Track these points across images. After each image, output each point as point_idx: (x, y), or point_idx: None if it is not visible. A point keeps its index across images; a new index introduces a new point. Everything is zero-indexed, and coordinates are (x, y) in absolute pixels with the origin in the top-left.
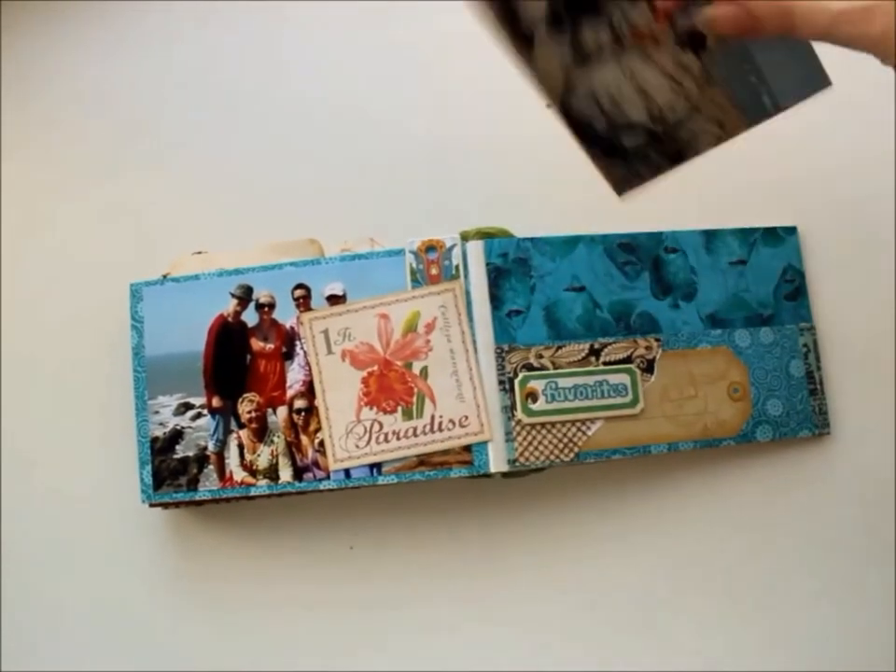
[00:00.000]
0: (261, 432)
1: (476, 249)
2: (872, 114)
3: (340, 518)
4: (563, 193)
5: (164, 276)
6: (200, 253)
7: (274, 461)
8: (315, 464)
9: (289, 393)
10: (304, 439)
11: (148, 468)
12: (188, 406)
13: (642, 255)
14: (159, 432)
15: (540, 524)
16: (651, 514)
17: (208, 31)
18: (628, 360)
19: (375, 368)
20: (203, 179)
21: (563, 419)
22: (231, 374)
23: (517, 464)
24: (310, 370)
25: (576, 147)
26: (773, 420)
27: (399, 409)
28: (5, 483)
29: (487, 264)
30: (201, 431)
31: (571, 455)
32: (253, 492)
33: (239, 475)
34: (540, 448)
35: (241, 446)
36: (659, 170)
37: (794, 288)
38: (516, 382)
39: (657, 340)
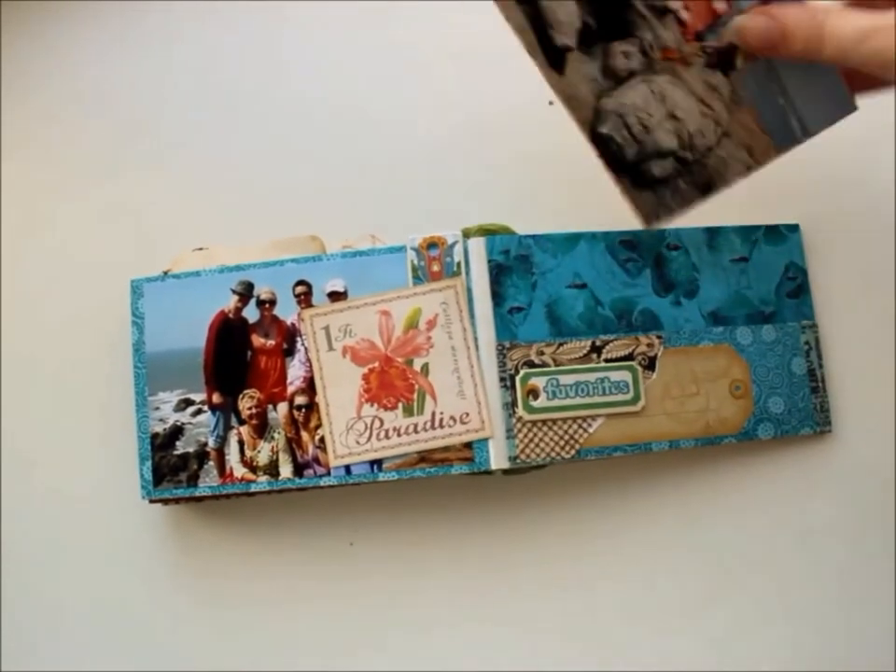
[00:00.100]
0: (262, 428)
1: (478, 246)
2: (875, 111)
3: (340, 515)
4: (564, 190)
5: (165, 272)
6: (201, 249)
7: (275, 457)
8: (316, 460)
9: (290, 389)
10: (305, 435)
11: (148, 464)
12: (188, 402)
13: (644, 252)
14: (159, 428)
15: (541, 521)
16: (652, 512)
17: (208, 31)
18: (630, 357)
19: (376, 364)
20: (204, 179)
21: (564, 416)
22: (231, 370)
23: (518, 461)
24: (311, 366)
25: (578, 147)
26: (774, 418)
27: (400, 405)
28: (5, 483)
29: (489, 261)
30: (201, 427)
31: (572, 452)
32: (253, 488)
33: (239, 471)
34: (541, 445)
35: (241, 442)
36: (688, 201)
37: (797, 286)
38: (517, 379)
39: (659, 337)
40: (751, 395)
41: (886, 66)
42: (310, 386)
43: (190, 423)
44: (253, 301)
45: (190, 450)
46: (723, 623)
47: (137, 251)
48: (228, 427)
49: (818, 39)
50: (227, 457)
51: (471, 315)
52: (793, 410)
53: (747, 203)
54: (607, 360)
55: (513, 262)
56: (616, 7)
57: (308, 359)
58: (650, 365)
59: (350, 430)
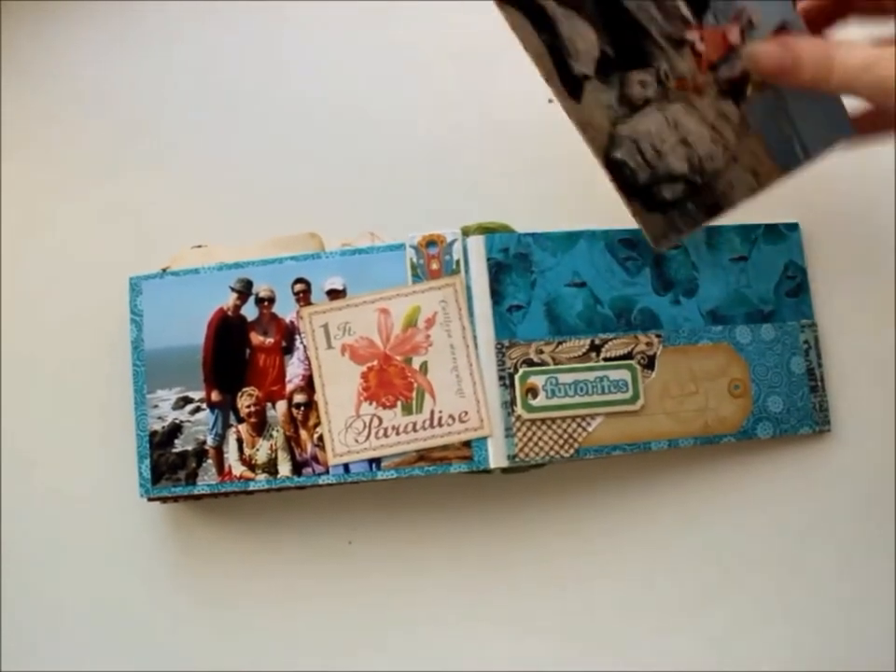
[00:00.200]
0: (260, 426)
1: (477, 244)
2: None
3: (339, 513)
4: (563, 189)
5: (164, 270)
6: (199, 247)
7: (273, 455)
8: (315, 458)
9: (289, 387)
10: (303, 433)
11: (147, 462)
12: (187, 400)
13: (643, 251)
14: (157, 426)
15: (540, 519)
16: (650, 511)
17: (208, 31)
18: (629, 356)
19: (375, 363)
20: (204, 179)
21: (563, 415)
22: (230, 368)
23: (517, 459)
24: (309, 364)
25: (577, 146)
26: (773, 417)
27: (399, 404)
28: (5, 483)
29: (488, 259)
30: (200, 425)
31: (571, 451)
32: (252, 486)
33: (238, 469)
34: (540, 444)
35: (240, 440)
36: (695, 222)
37: (796, 285)
38: (516, 377)
39: (658, 336)
40: (750, 394)
41: (887, 94)
42: (309, 385)
43: (189, 421)
44: (252, 299)
45: (189, 448)
46: (722, 621)
47: (137, 251)
48: (226, 426)
49: (827, 69)
50: (225, 455)
51: (470, 314)
52: (792, 409)
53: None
54: (606, 359)
55: (513, 261)
56: (634, 37)
57: (307, 357)
58: (649, 364)
59: (349, 429)
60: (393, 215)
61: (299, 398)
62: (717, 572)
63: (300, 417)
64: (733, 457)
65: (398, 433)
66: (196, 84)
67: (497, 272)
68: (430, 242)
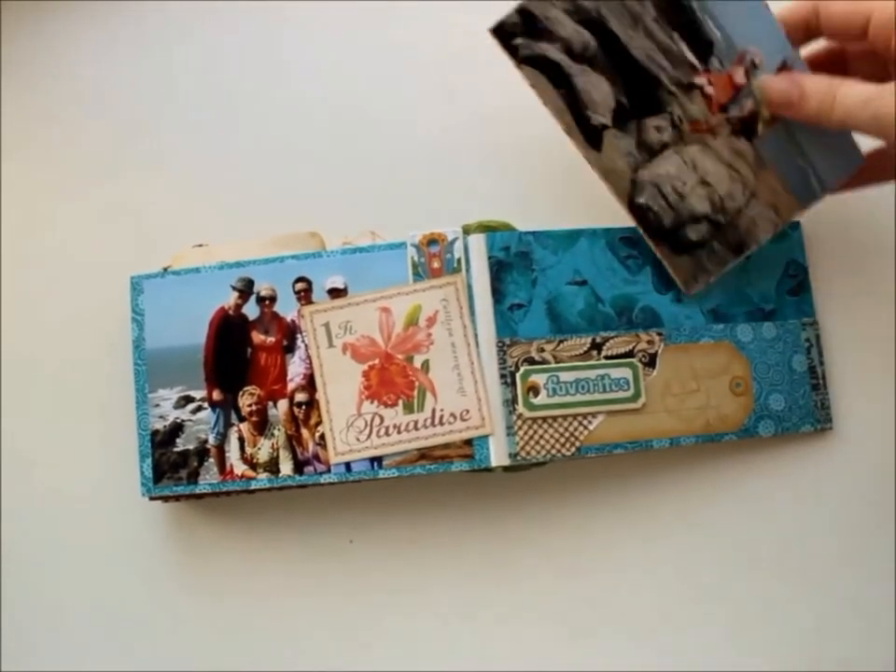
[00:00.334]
0: (262, 425)
1: (478, 243)
2: None
3: (340, 512)
4: (564, 187)
5: (165, 269)
6: (200, 246)
7: (275, 454)
8: (316, 457)
9: (290, 386)
10: (305, 432)
11: (149, 461)
12: (188, 399)
13: (644, 249)
14: (159, 425)
15: (541, 518)
16: (652, 509)
17: (208, 31)
18: (630, 355)
19: (376, 361)
20: (204, 179)
21: (564, 413)
22: (231, 367)
23: (518, 458)
24: (311, 363)
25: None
26: (775, 415)
27: (400, 402)
28: (5, 483)
29: (489, 258)
30: (201, 424)
31: (572, 449)
32: (253, 485)
33: (239, 468)
34: (542, 442)
35: (241, 439)
36: (724, 262)
37: (797, 283)
38: (517, 376)
39: (659, 334)
40: (752, 392)
41: (884, 128)
42: (310, 383)
43: (191, 420)
44: (253, 298)
45: (191, 447)
46: (723, 620)
47: (137, 251)
48: (228, 424)
49: (829, 103)
50: (227, 454)
51: (472, 312)
52: (794, 407)
53: None
54: (607, 357)
55: (514, 259)
56: (646, 86)
57: (308, 356)
58: (650, 362)
59: (350, 427)
60: (394, 213)
61: (300, 396)
62: (718, 570)
63: (301, 416)
64: (734, 455)
65: (399, 432)
66: (196, 84)
67: (499, 270)
68: (431, 240)
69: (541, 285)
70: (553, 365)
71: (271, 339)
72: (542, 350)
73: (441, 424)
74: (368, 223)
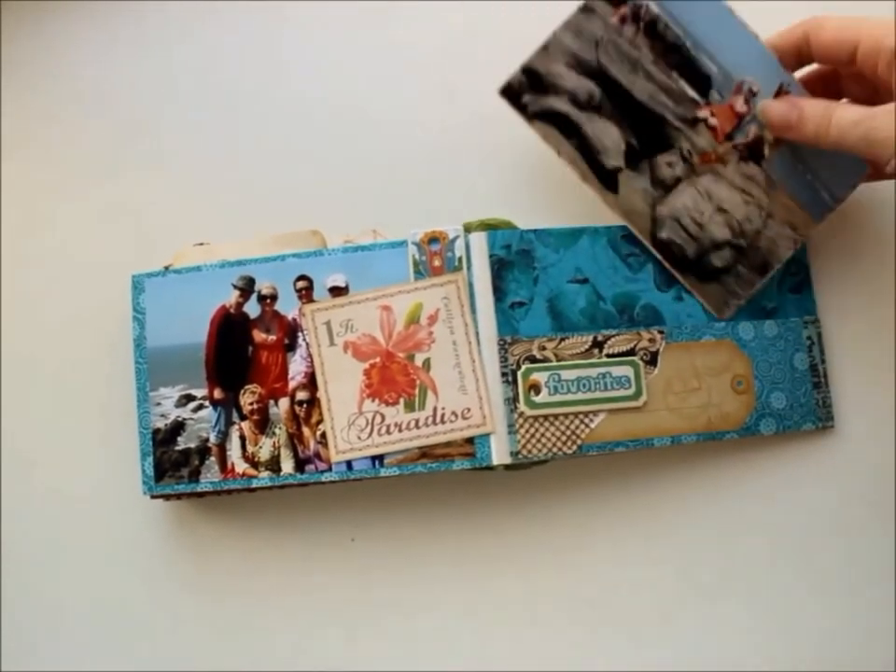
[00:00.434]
0: (263, 424)
1: (479, 241)
2: None
3: (341, 510)
4: (566, 186)
5: (166, 268)
6: (202, 244)
7: (276, 453)
8: (317, 456)
9: (291, 385)
10: (306, 430)
11: (150, 459)
12: (189, 398)
13: (646, 247)
14: (160, 424)
15: (543, 516)
16: (653, 507)
17: (208, 31)
18: (631, 353)
19: (377, 360)
20: (204, 178)
21: (565, 411)
22: (232, 366)
23: (519, 456)
24: (312, 361)
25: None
26: (776, 413)
27: (402, 401)
28: (5, 483)
29: (490, 256)
30: (202, 423)
31: (574, 447)
32: (255, 484)
33: (241, 467)
34: (543, 440)
35: (242, 438)
36: (751, 284)
37: (798, 281)
38: (519, 374)
39: (661, 332)
40: (753, 390)
41: (872, 146)
42: (311, 382)
43: (192, 418)
44: (254, 297)
45: (192, 445)
46: (724, 618)
47: (137, 251)
48: (229, 423)
49: (826, 125)
50: (228, 453)
51: (473, 310)
52: (795, 405)
53: None
54: (608, 355)
55: (515, 257)
56: (653, 125)
57: (309, 355)
58: (651, 360)
59: (351, 426)
60: (395, 211)
61: (301, 395)
62: (719, 569)
63: (302, 414)
64: (735, 454)
65: (400, 430)
66: (196, 84)
67: (500, 268)
68: (432, 238)
69: (543, 283)
70: (555, 363)
71: (272, 337)
72: (544, 348)
73: (443, 422)
74: (369, 221)
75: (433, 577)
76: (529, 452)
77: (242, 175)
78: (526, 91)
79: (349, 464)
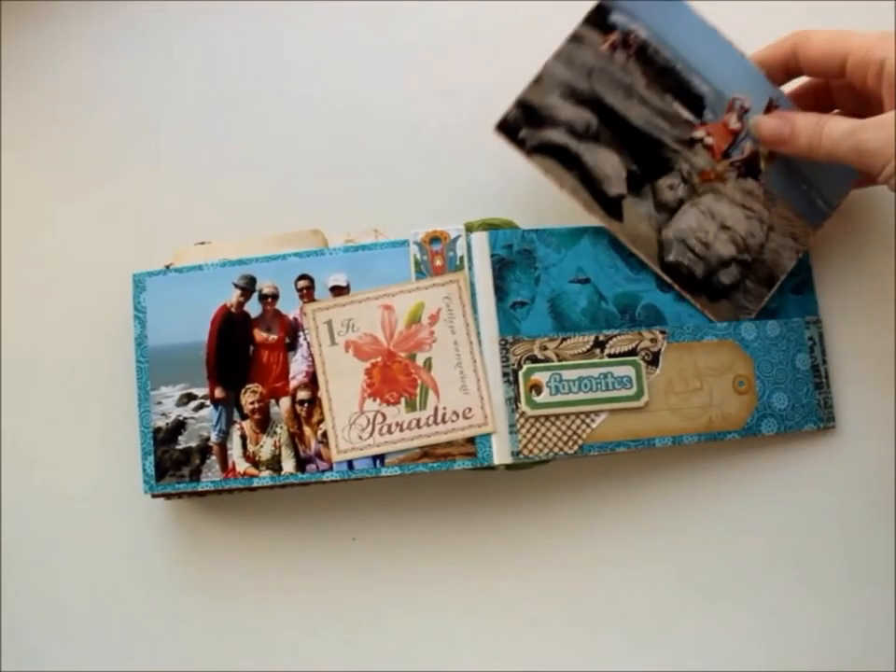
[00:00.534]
0: (264, 423)
1: (481, 240)
2: None
3: (342, 509)
4: None
5: (167, 266)
6: (203, 243)
7: (277, 452)
8: (318, 455)
9: (292, 384)
10: (307, 430)
11: (151, 458)
12: (190, 397)
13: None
14: (161, 423)
15: (543, 516)
16: (654, 508)
17: (208, 30)
18: (633, 353)
19: (379, 359)
20: (205, 178)
21: (567, 411)
22: (233, 365)
23: (521, 456)
24: (313, 361)
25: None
26: (778, 413)
27: (403, 400)
28: (5, 483)
29: (492, 255)
30: (203, 422)
31: (575, 447)
32: (255, 483)
33: (242, 466)
34: (544, 440)
35: (243, 437)
36: (760, 297)
37: (800, 281)
38: (520, 374)
39: (662, 332)
40: (755, 390)
41: (863, 157)
42: (312, 381)
43: (193, 417)
44: (255, 296)
45: (193, 445)
46: (724, 620)
47: (137, 250)
48: (230, 422)
49: (818, 137)
50: (229, 452)
51: (474, 310)
52: (797, 405)
53: None
54: (610, 355)
55: (516, 257)
56: (651, 149)
57: (310, 354)
58: (653, 360)
59: (353, 425)
60: (396, 211)
61: (302, 394)
62: (720, 569)
63: (303, 414)
64: (737, 454)
65: (401, 430)
66: (196, 84)
67: (501, 268)
68: (434, 238)
69: (544, 282)
70: (556, 363)
71: (273, 336)
72: (545, 348)
73: (444, 422)
74: (370, 221)
75: (434, 576)
76: (530, 452)
77: (242, 174)
78: (523, 125)
79: (350, 463)
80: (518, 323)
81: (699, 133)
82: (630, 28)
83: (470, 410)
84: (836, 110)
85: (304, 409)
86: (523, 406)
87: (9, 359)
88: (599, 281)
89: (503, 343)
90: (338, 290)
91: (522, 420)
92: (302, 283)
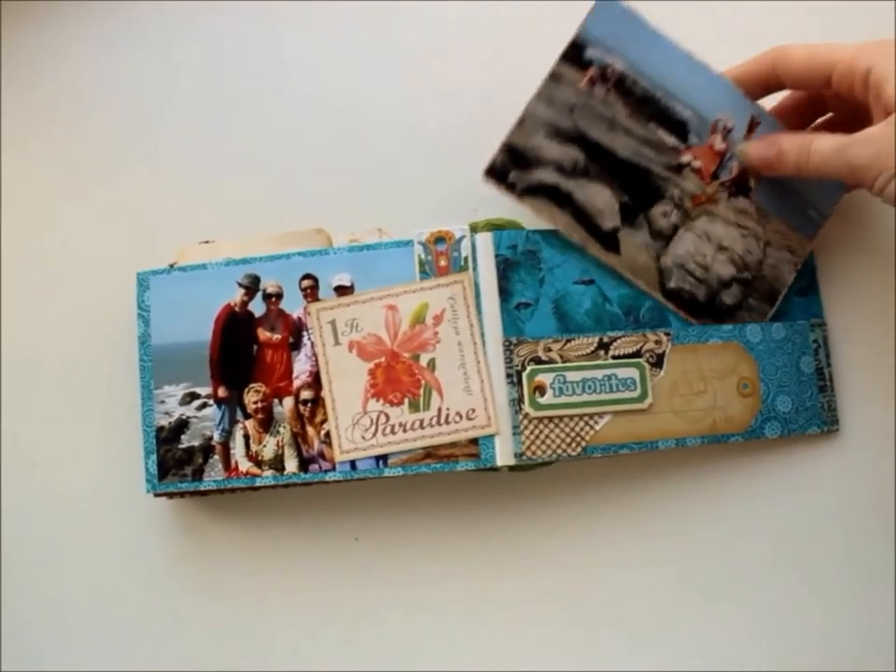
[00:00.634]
0: (267, 423)
1: (485, 241)
2: None
3: (345, 509)
4: None
5: (171, 265)
6: (207, 242)
7: (280, 452)
8: (321, 455)
9: (296, 384)
10: (310, 430)
11: (153, 457)
12: (193, 396)
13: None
14: (164, 422)
15: (546, 517)
16: (657, 510)
17: (208, 30)
18: (637, 355)
19: (382, 359)
20: (205, 178)
21: (570, 413)
22: (237, 364)
23: (524, 458)
24: (317, 360)
25: None
26: (782, 416)
27: (406, 401)
28: (5, 482)
29: (496, 256)
30: (206, 421)
31: (578, 449)
32: (258, 483)
33: (244, 465)
34: (547, 442)
35: (246, 437)
36: (764, 313)
37: (806, 284)
38: (524, 375)
39: (667, 334)
40: (759, 393)
41: (854, 172)
42: (316, 381)
43: (196, 417)
44: (259, 295)
45: (196, 444)
46: (725, 621)
47: (137, 250)
48: (233, 421)
49: (806, 156)
50: (232, 451)
51: (478, 311)
52: (801, 409)
53: None
54: (614, 357)
55: (521, 258)
56: (641, 179)
57: (314, 354)
58: (657, 362)
59: (356, 425)
60: (401, 211)
61: (306, 394)
62: (721, 570)
63: (306, 414)
64: (740, 457)
65: (405, 430)
66: (196, 83)
67: (506, 269)
68: (438, 238)
69: (549, 284)
70: (560, 364)
71: (277, 336)
72: (549, 349)
73: (447, 423)
74: (370, 221)
75: (436, 577)
76: (534, 453)
77: (242, 174)
78: (511, 168)
79: (353, 464)
80: (522, 324)
81: (686, 158)
82: (606, 62)
83: (474, 411)
84: (830, 114)
85: (307, 409)
86: (526, 407)
87: (9, 359)
88: (604, 282)
89: (507, 344)
90: (342, 290)
91: (525, 421)
92: (306, 282)
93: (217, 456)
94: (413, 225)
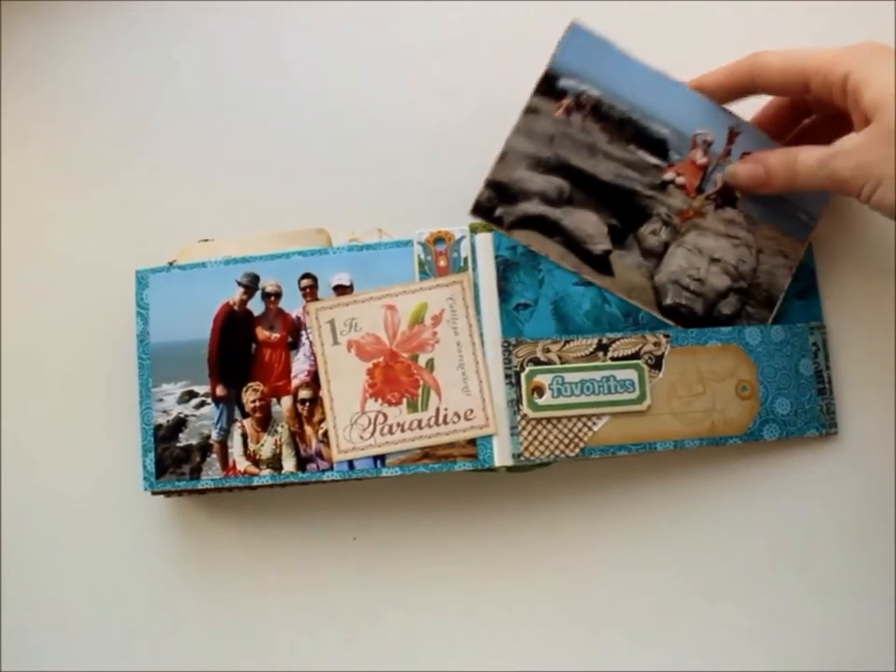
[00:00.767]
0: (265, 422)
1: (485, 241)
2: None
3: (343, 509)
4: None
5: (170, 263)
6: (206, 241)
7: (278, 451)
8: (319, 454)
9: (294, 383)
10: (308, 429)
11: (151, 455)
12: (192, 394)
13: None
14: (162, 420)
15: (544, 518)
16: (655, 512)
17: (208, 30)
18: (636, 356)
19: (381, 359)
20: (204, 177)
21: (569, 414)
22: (235, 363)
23: (522, 458)
24: (315, 360)
25: None
26: (780, 419)
27: (405, 401)
28: (5, 481)
29: (496, 257)
30: (204, 420)
31: (576, 450)
32: (256, 482)
33: (242, 464)
34: (545, 443)
35: (244, 435)
36: (764, 320)
37: (805, 287)
38: (522, 376)
39: (666, 336)
40: (758, 395)
41: (838, 183)
42: (314, 380)
43: (194, 415)
44: (258, 294)
45: (193, 442)
46: (724, 622)
47: (137, 250)
48: (231, 420)
49: (792, 172)
50: (230, 450)
51: (477, 311)
52: (799, 411)
53: None
54: (613, 359)
55: (520, 258)
56: (627, 201)
57: (313, 353)
58: (656, 364)
59: (354, 425)
60: (401, 211)
61: (304, 393)
62: (720, 571)
63: (304, 413)
64: (738, 459)
65: (403, 430)
66: (196, 83)
67: (505, 269)
68: (438, 238)
69: (548, 285)
70: (559, 366)
71: (275, 335)
72: (548, 350)
73: (445, 423)
74: (375, 220)
75: (434, 577)
76: (532, 454)
77: (242, 174)
78: (497, 204)
79: (351, 463)
80: (521, 325)
81: (669, 175)
82: (580, 90)
83: (472, 411)
84: (814, 115)
85: (306, 408)
86: (524, 408)
87: (9, 359)
88: None
89: (506, 344)
90: (341, 290)
91: (523, 422)
92: (306, 282)
93: (214, 455)
94: (412, 225)
